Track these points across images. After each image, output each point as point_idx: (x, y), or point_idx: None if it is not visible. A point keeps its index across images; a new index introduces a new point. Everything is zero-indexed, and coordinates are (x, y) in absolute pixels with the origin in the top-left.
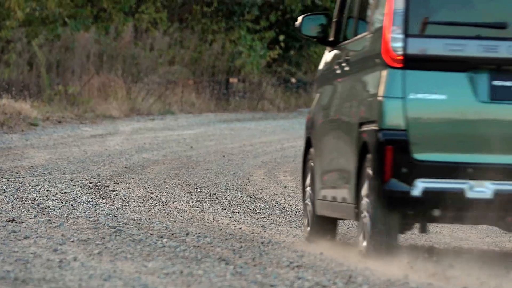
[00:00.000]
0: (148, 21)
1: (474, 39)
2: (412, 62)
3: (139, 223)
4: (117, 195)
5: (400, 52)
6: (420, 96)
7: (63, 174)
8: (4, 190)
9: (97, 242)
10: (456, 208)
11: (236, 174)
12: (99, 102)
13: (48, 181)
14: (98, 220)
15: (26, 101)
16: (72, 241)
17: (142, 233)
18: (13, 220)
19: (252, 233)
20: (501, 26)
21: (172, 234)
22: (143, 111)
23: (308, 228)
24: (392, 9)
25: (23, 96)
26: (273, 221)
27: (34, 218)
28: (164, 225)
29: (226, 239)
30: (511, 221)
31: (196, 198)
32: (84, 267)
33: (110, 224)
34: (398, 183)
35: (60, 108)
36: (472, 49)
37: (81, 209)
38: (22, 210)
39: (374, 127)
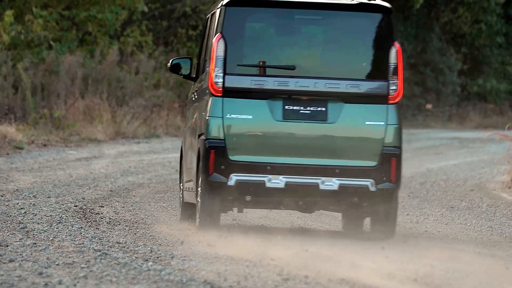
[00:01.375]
0: (133, 44)
1: (271, 77)
2: (229, 93)
3: (124, 247)
4: (102, 218)
5: (220, 86)
6: (234, 116)
7: (48, 198)
8: None
9: (82, 265)
10: (260, 194)
11: None
12: (84, 126)
13: (33, 204)
14: (83, 243)
15: (11, 124)
16: (57, 265)
17: (127, 257)
18: None
19: (237, 255)
20: (291, 68)
21: (157, 257)
22: (128, 134)
23: (180, 213)
24: (215, 55)
25: (8, 119)
26: (258, 244)
27: (19, 241)
28: (149, 248)
29: (211, 262)
30: (302, 204)
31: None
32: None
33: (95, 248)
34: (218, 176)
35: (45, 132)
36: (270, 83)
37: (66, 232)
38: (7, 233)
39: (203, 137)
